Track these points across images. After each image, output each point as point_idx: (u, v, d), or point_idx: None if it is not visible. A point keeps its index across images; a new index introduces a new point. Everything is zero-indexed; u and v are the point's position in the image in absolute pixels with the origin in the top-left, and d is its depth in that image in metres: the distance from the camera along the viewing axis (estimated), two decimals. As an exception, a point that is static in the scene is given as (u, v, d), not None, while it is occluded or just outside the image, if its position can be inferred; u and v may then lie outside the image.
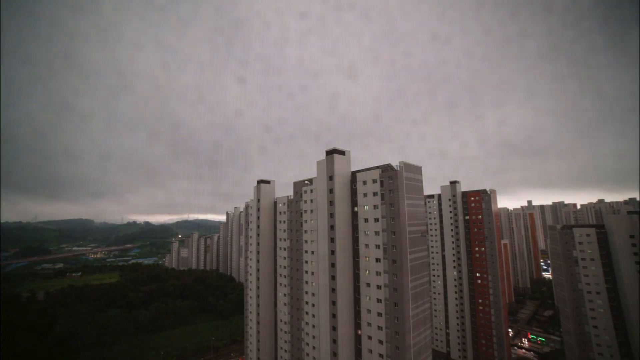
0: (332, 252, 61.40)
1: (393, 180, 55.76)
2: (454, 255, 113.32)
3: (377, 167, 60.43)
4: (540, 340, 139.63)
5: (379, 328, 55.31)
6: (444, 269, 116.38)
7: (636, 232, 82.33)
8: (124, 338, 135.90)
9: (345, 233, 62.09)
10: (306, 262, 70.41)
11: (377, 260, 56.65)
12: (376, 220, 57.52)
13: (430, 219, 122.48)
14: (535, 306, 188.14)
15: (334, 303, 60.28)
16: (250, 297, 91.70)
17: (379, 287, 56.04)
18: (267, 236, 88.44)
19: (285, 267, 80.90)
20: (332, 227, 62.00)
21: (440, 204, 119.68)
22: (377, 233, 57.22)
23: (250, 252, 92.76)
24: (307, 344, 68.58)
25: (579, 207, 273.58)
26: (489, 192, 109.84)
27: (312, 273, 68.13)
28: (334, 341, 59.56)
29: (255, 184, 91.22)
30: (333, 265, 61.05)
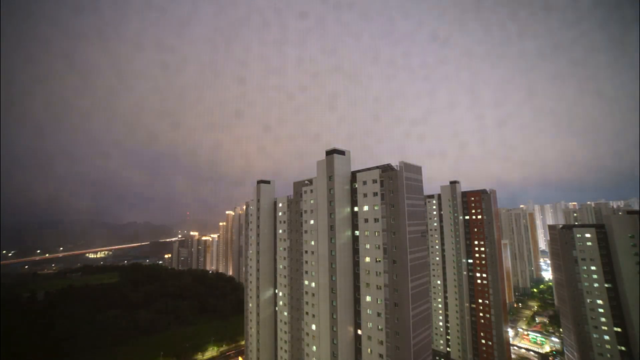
0: (332, 252, 61.39)
1: (393, 181, 55.72)
2: (453, 255, 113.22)
3: (377, 167, 60.39)
4: (540, 340, 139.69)
5: (379, 328, 55.29)
6: (444, 269, 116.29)
7: (636, 232, 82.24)
8: (124, 338, 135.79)
9: (345, 233, 62.05)
10: (306, 262, 70.40)
11: (377, 260, 56.62)
12: (376, 220, 57.49)
13: (430, 219, 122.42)
14: (535, 306, 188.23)
15: (333, 303, 60.28)
16: (250, 297, 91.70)
17: (378, 287, 56.01)
18: (267, 236, 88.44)
19: (285, 267, 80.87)
20: (332, 227, 61.98)
21: (440, 204, 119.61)
22: (377, 233, 57.18)
23: (250, 252, 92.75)
24: (307, 344, 68.56)
25: (578, 207, 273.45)
26: (489, 192, 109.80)
27: (312, 273, 68.10)
28: (334, 341, 59.56)
29: (255, 184, 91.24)
30: (333, 265, 61.05)
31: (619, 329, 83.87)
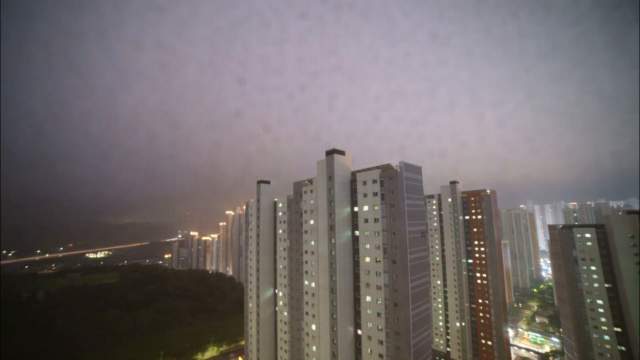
0: (332, 252, 61.38)
1: (393, 181, 55.72)
2: (454, 255, 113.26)
3: (377, 167, 60.40)
4: (540, 340, 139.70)
5: (379, 328, 55.29)
6: (444, 269, 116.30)
7: (636, 232, 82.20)
8: (124, 338, 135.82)
9: (345, 233, 62.03)
10: (306, 262, 70.39)
11: (377, 260, 56.62)
12: (376, 220, 57.49)
13: (430, 219, 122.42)
14: (535, 306, 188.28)
15: (333, 303, 60.28)
16: (250, 297, 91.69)
17: (378, 287, 56.01)
18: (267, 236, 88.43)
19: (285, 267, 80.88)
20: (332, 227, 61.98)
21: (440, 204, 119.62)
22: (377, 233, 57.18)
23: (250, 252, 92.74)
24: (307, 344, 68.55)
25: (578, 207, 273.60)
26: (489, 192, 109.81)
27: (312, 273, 68.11)
28: (334, 341, 59.56)
29: (255, 184, 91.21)
30: (333, 265, 61.05)
31: (619, 329, 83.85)
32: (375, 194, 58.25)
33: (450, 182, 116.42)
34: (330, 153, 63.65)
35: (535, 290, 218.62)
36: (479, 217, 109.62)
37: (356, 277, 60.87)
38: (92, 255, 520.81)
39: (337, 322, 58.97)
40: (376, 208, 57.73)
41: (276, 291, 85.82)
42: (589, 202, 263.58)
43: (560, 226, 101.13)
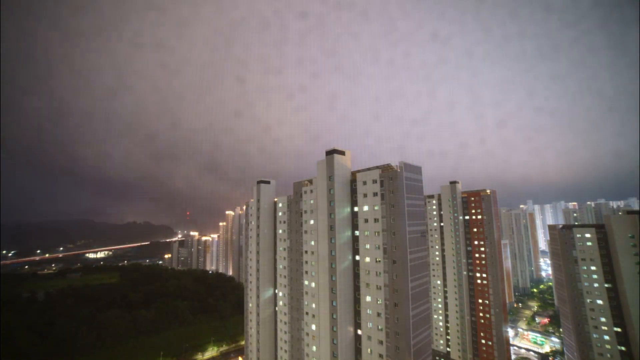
0: (332, 252, 61.38)
1: (393, 181, 55.73)
2: (454, 255, 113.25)
3: (377, 167, 60.39)
4: (540, 340, 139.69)
5: (379, 328, 55.30)
6: (444, 269, 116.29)
7: (636, 232, 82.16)
8: (124, 338, 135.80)
9: (345, 233, 62.03)
10: (306, 262, 70.40)
11: (377, 260, 56.62)
12: (376, 220, 57.49)
13: (430, 219, 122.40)
14: (535, 306, 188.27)
15: (333, 303, 60.29)
16: (250, 297, 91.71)
17: (378, 287, 56.00)
18: (267, 236, 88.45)
19: (285, 267, 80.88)
20: (331, 227, 61.98)
21: (440, 204, 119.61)
22: (377, 233, 57.18)
23: (250, 252, 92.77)
24: (307, 344, 68.55)
25: (578, 207, 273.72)
26: (489, 192, 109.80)
27: (312, 273, 68.12)
28: (334, 341, 59.56)
29: (255, 184, 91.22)
30: (333, 265, 61.05)
31: (619, 329, 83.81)
32: (375, 194, 58.25)
33: (450, 182, 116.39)
34: (330, 153, 63.63)
35: (535, 290, 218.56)
36: (479, 217, 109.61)
37: (356, 277, 60.88)
38: (92, 255, 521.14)
39: (337, 322, 58.98)
40: (376, 208, 57.74)
41: (276, 291, 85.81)
42: (589, 202, 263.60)
43: (560, 226, 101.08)
